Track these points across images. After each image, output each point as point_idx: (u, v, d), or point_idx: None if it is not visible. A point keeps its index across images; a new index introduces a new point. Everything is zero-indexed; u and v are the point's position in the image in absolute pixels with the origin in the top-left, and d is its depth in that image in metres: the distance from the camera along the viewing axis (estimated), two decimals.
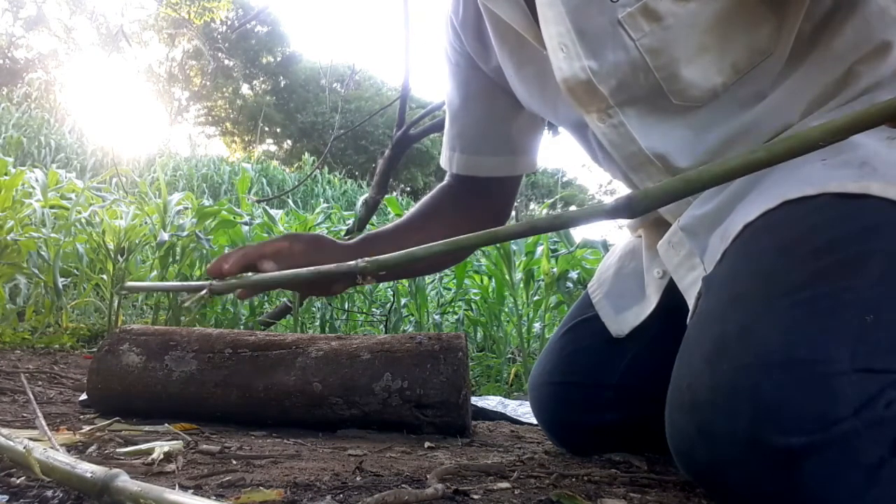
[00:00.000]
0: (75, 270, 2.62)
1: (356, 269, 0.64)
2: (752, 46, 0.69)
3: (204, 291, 0.74)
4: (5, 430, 0.62)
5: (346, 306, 2.70)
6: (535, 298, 2.18)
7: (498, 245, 2.12)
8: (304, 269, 0.72)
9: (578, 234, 2.28)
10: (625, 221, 1.02)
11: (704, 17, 0.67)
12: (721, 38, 0.69)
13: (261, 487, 0.61)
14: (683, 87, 0.71)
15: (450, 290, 2.94)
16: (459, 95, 0.97)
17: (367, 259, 0.65)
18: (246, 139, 20.54)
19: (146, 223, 2.45)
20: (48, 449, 0.56)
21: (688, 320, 0.66)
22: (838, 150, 0.62)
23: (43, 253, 2.39)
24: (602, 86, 0.74)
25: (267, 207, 2.51)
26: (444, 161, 1.02)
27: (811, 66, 0.70)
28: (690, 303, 0.68)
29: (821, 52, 0.69)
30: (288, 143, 20.93)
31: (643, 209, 0.49)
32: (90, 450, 0.75)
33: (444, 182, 1.04)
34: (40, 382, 1.38)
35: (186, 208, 2.51)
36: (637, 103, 0.74)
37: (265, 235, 2.54)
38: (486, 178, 0.99)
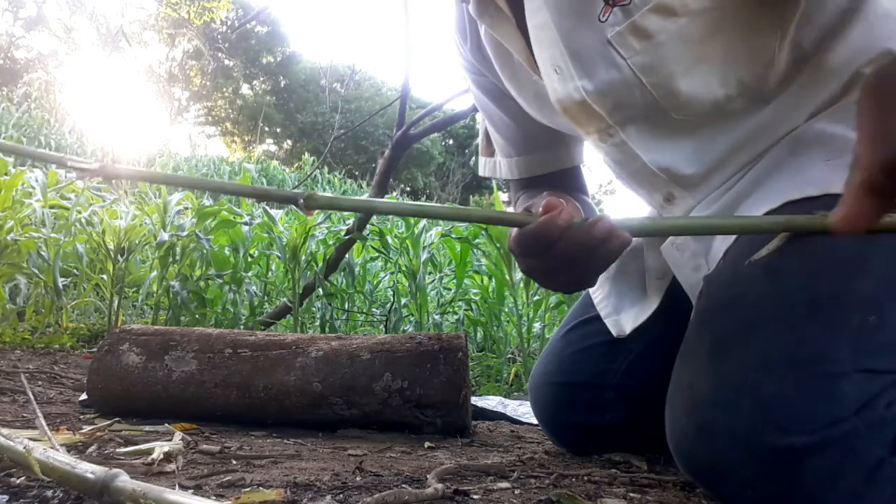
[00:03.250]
0: (75, 270, 2.62)
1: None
2: (751, 54, 0.68)
3: (94, 166, 0.58)
4: (5, 430, 0.62)
5: (347, 306, 2.70)
6: (535, 298, 2.18)
7: (498, 245, 2.12)
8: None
9: None
10: None
11: (697, 30, 0.66)
12: (718, 49, 0.67)
13: (261, 487, 0.61)
14: (683, 102, 0.69)
15: (450, 290, 2.94)
16: (491, 103, 0.95)
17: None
18: (246, 139, 20.53)
19: (146, 223, 2.45)
20: (48, 449, 0.56)
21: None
22: (842, 152, 0.62)
23: (43, 253, 2.39)
24: (598, 105, 0.72)
25: (267, 207, 2.50)
26: (505, 172, 0.98)
27: (816, 72, 0.68)
28: (695, 302, 0.68)
29: (826, 58, 0.68)
30: (288, 143, 20.93)
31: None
32: (90, 450, 0.75)
33: (518, 197, 0.97)
34: (40, 382, 1.38)
35: (186, 208, 2.51)
36: (637, 121, 0.73)
37: (265, 235, 2.54)
38: (548, 174, 0.95)
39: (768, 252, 0.58)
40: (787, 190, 0.62)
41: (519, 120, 0.91)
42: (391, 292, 2.81)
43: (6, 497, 0.53)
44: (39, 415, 0.72)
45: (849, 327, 0.50)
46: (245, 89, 21.68)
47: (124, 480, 0.49)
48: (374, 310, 2.85)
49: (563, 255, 0.61)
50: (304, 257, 2.35)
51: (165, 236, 2.22)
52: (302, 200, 0.56)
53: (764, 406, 0.49)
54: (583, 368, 0.92)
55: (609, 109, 0.73)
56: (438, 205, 0.66)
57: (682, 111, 0.70)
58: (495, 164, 1.00)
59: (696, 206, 0.73)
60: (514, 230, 0.64)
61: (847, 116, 0.66)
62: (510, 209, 0.96)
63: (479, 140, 1.03)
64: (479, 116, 1.03)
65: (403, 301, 2.56)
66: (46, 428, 0.69)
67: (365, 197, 0.63)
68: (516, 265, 2.17)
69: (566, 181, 0.95)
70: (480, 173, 1.03)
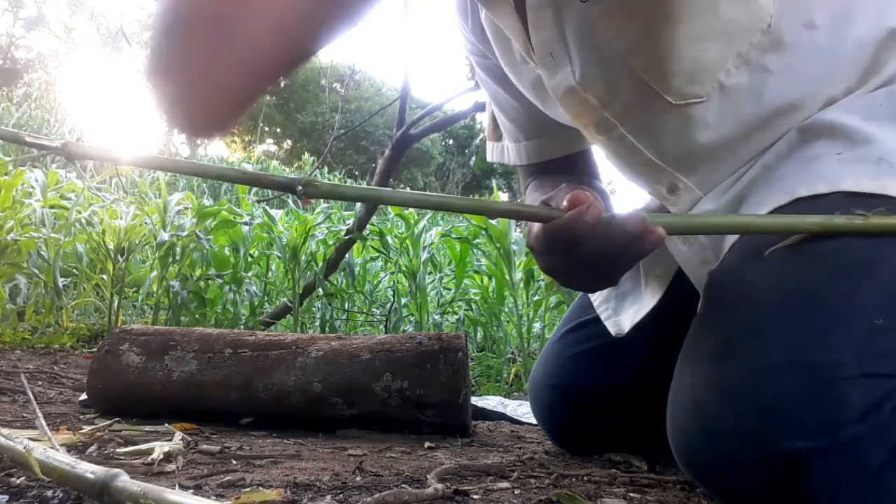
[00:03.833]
0: (75, 270, 2.62)
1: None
2: (746, 22, 0.62)
3: (55, 144, 0.53)
4: (5, 430, 0.62)
5: (347, 306, 2.70)
6: (535, 298, 2.18)
7: (498, 245, 2.12)
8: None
9: None
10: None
11: (680, 7, 0.61)
12: (708, 24, 0.62)
13: (261, 487, 0.61)
14: (680, 84, 0.65)
15: (450, 290, 2.94)
16: (497, 86, 0.91)
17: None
18: (246, 139, 20.51)
19: (146, 223, 2.45)
20: (48, 449, 0.56)
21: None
22: (854, 143, 0.60)
23: (43, 253, 2.39)
24: (588, 93, 0.70)
25: (267, 207, 2.50)
26: (513, 157, 0.93)
27: (830, 59, 0.65)
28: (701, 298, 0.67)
29: (840, 44, 0.65)
30: (288, 143, 20.91)
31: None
32: (90, 450, 0.75)
33: (528, 184, 0.93)
34: (40, 382, 1.38)
35: (186, 208, 2.51)
36: (634, 112, 0.70)
37: (265, 235, 2.54)
38: (558, 159, 0.91)
39: (775, 249, 0.57)
40: (795, 185, 0.60)
41: (525, 103, 0.87)
42: (391, 292, 2.81)
43: (6, 497, 0.53)
44: (39, 415, 0.72)
45: (856, 330, 0.49)
46: None
47: (124, 480, 0.49)
48: (374, 310, 2.85)
49: (592, 253, 0.58)
50: (304, 257, 2.35)
51: (165, 236, 2.22)
52: (300, 187, 0.51)
53: (767, 409, 0.49)
54: (582, 371, 0.91)
55: (601, 98, 0.70)
56: (453, 196, 0.58)
57: (680, 96, 0.66)
58: (503, 149, 0.96)
59: (703, 198, 0.71)
60: (536, 226, 0.60)
61: (860, 106, 0.63)
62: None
63: (486, 124, 1.00)
64: (479, 116, 1.02)
65: (403, 301, 2.56)
66: (46, 428, 0.69)
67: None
68: (516, 265, 2.18)
69: (578, 166, 0.91)
70: (488, 159, 0.99)
